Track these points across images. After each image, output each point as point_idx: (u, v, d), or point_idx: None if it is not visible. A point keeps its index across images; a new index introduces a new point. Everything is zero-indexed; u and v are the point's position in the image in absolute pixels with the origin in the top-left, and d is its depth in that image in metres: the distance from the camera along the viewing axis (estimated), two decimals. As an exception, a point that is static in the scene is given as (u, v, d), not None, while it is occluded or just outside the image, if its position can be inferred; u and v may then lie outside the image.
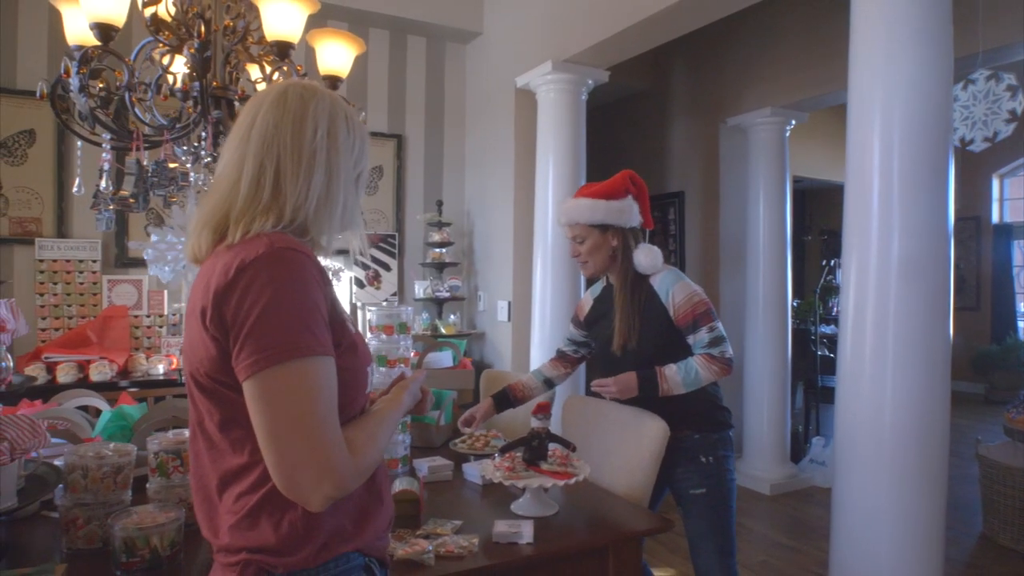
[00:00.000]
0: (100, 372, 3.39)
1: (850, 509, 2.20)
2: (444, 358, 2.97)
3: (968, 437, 5.30)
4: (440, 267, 4.50)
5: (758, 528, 3.90)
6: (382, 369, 2.09)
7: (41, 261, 3.65)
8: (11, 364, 1.46)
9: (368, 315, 2.17)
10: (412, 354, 2.21)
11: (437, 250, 4.49)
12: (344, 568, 0.99)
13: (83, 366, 3.41)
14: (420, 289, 4.45)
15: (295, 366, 0.87)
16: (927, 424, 2.09)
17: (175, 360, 3.66)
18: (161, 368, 3.61)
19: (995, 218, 7.81)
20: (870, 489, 2.14)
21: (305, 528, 0.93)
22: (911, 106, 2.08)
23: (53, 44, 3.70)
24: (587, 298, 2.27)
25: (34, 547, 1.56)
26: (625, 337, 2.01)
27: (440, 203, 4.54)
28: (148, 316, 3.85)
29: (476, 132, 4.71)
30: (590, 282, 2.31)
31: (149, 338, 3.85)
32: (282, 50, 1.82)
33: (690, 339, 1.99)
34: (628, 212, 2.06)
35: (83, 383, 3.20)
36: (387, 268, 4.51)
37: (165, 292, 3.89)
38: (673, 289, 2.01)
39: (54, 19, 3.65)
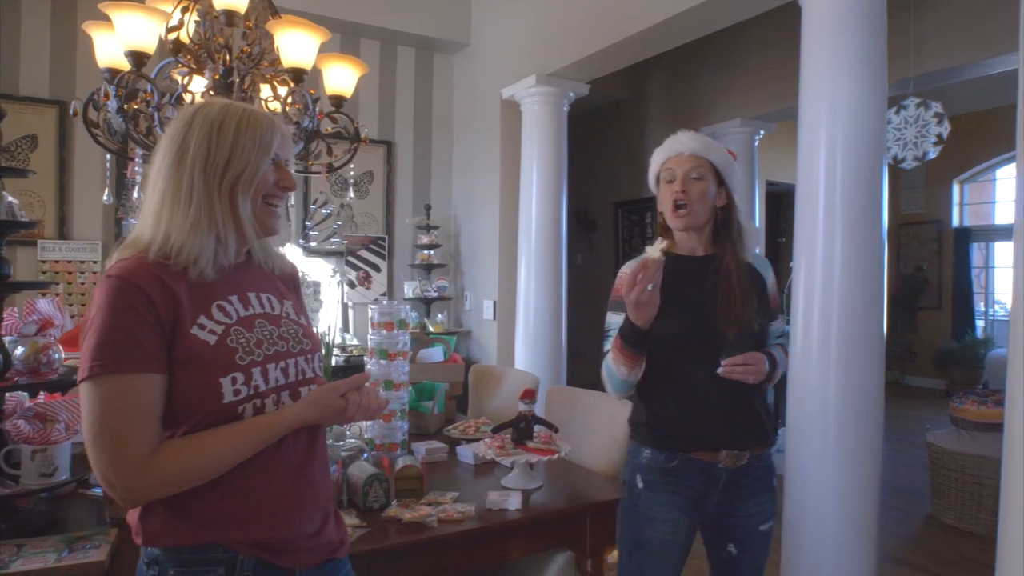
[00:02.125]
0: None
1: (800, 485, 2.46)
2: (435, 353, 3.19)
3: (919, 428, 5.63)
4: (428, 268, 4.73)
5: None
6: (382, 362, 2.31)
7: (43, 262, 3.82)
8: (62, 355, 1.66)
9: (369, 312, 2.38)
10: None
11: (425, 252, 4.71)
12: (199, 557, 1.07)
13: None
14: (409, 289, 4.66)
15: (84, 386, 1.00)
16: (865, 408, 2.36)
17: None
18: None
19: (955, 222, 8.18)
20: (817, 467, 2.40)
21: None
22: (851, 126, 2.34)
23: (56, 52, 3.86)
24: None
25: (78, 519, 1.76)
26: (747, 321, 1.65)
27: (428, 207, 4.76)
28: (148, 315, 4.02)
29: (462, 139, 4.94)
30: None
31: (149, 336, 4.02)
32: (297, 76, 2.04)
33: (772, 326, 1.79)
34: (738, 180, 1.79)
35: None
36: (377, 269, 4.72)
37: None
38: (770, 267, 1.82)
39: (56, 27, 3.82)
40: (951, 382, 7.58)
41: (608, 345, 1.72)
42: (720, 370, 1.60)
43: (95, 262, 3.91)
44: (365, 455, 2.11)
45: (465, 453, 2.30)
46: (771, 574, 3.20)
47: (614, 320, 1.72)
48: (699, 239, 1.76)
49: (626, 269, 1.75)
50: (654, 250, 1.54)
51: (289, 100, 2.05)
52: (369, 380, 1.22)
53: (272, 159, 1.16)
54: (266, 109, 2.29)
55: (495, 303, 4.48)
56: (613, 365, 1.68)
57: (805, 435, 2.45)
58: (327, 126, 2.31)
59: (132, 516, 1.09)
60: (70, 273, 3.86)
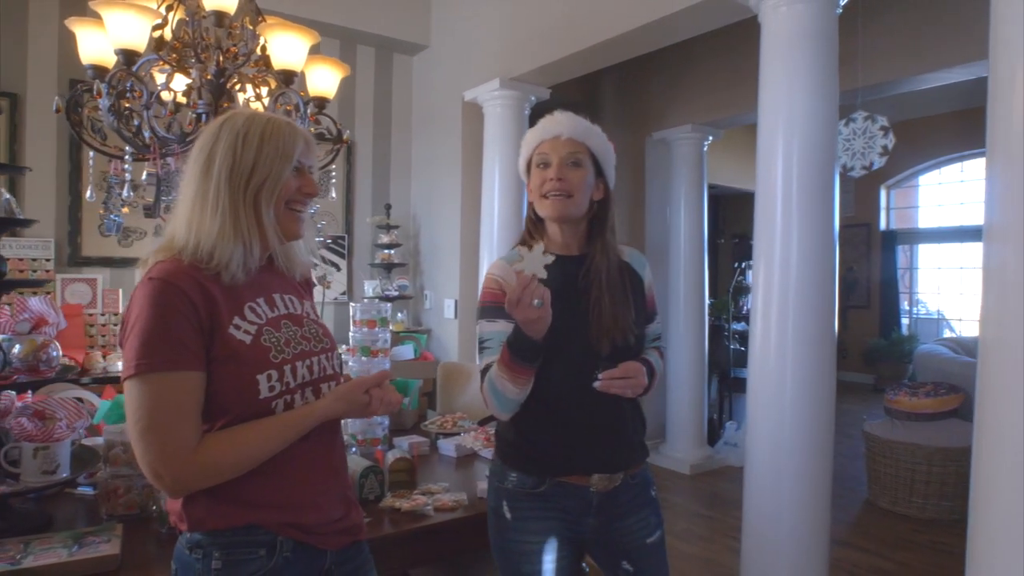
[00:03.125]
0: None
1: (759, 474, 2.63)
2: (406, 351, 3.25)
3: (858, 420, 5.98)
4: (388, 268, 4.75)
5: (681, 502, 4.37)
6: (364, 359, 2.37)
7: (-9, 260, 3.68)
8: (60, 353, 1.66)
9: (351, 311, 2.43)
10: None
11: (386, 251, 4.74)
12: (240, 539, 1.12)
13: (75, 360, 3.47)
14: (370, 288, 4.68)
15: (130, 384, 1.05)
16: (817, 402, 2.54)
17: (133, 357, 3.76)
18: (119, 365, 3.69)
19: (883, 225, 8.69)
20: (774, 457, 2.57)
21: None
22: (806, 136, 2.52)
23: (7, 44, 3.73)
24: (504, 275, 1.54)
25: (71, 517, 1.75)
26: (623, 331, 1.50)
27: (388, 206, 4.78)
28: (103, 315, 3.93)
29: (421, 139, 4.99)
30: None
31: (104, 336, 3.93)
32: (287, 78, 2.07)
33: (648, 328, 1.65)
34: (614, 173, 1.64)
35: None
36: (337, 268, 4.72)
37: (120, 291, 3.97)
38: (647, 265, 1.68)
39: (7, 19, 3.69)
40: (879, 377, 8.05)
41: (485, 359, 1.51)
42: (597, 384, 1.43)
43: (48, 260, 3.80)
44: (354, 449, 2.16)
45: (447, 447, 2.38)
46: (732, 560, 3.42)
47: (490, 330, 1.51)
48: (574, 234, 1.58)
49: (496, 272, 1.55)
50: (535, 261, 1.33)
51: (278, 102, 2.08)
52: (389, 377, 1.28)
53: (295, 166, 1.21)
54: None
55: (456, 302, 4.55)
56: (499, 383, 1.45)
57: (764, 427, 2.61)
58: (310, 127, 2.34)
59: (174, 504, 1.13)
60: (21, 271, 3.73)
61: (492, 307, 1.52)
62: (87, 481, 1.90)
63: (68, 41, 3.78)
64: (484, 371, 1.51)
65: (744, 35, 4.46)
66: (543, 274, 1.33)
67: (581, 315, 1.50)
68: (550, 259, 1.34)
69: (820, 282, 2.52)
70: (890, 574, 3.31)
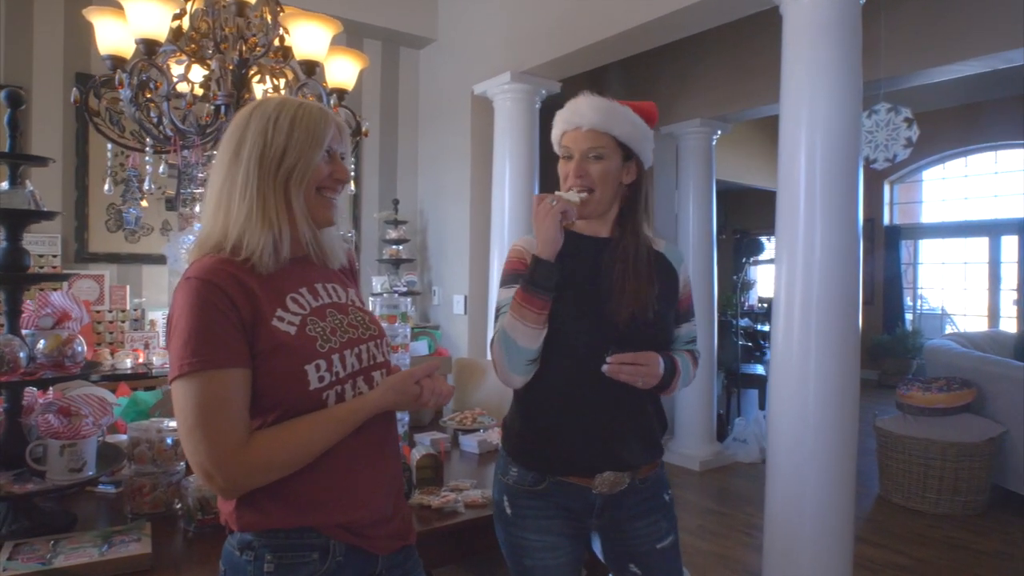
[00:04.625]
0: (68, 366, 3.42)
1: (781, 470, 2.60)
2: (420, 347, 3.22)
3: (864, 416, 5.98)
4: (397, 263, 4.72)
5: (692, 499, 4.35)
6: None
7: (-4, 256, 3.63)
8: (85, 349, 1.62)
9: (369, 305, 2.39)
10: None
11: (394, 247, 4.70)
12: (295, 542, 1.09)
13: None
14: (378, 284, 4.64)
15: (177, 384, 1.03)
16: (841, 402, 2.51)
17: (142, 354, 3.72)
18: (128, 362, 3.66)
19: (887, 220, 8.68)
20: (797, 452, 2.55)
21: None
22: (829, 128, 2.49)
23: (10, 36, 3.68)
24: (528, 247, 1.49)
25: (93, 516, 1.72)
26: (642, 303, 1.42)
27: (396, 201, 4.74)
28: (110, 311, 3.88)
29: (429, 134, 4.95)
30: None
31: (112, 333, 3.88)
32: (309, 68, 2.03)
33: (680, 329, 1.60)
34: (650, 149, 1.55)
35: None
36: (345, 264, 4.68)
37: (127, 287, 3.93)
38: (685, 262, 1.60)
39: (10, 12, 3.64)
40: (883, 372, 8.05)
41: (498, 325, 1.48)
42: (604, 368, 1.36)
43: (54, 256, 3.75)
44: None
45: (469, 443, 2.35)
46: (747, 556, 3.40)
47: (507, 296, 1.46)
48: (603, 221, 1.54)
49: (521, 244, 1.53)
50: (571, 195, 1.44)
51: (300, 93, 2.04)
52: (438, 368, 1.25)
53: (327, 151, 1.18)
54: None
55: (466, 297, 4.52)
56: (510, 328, 1.40)
57: (787, 425, 2.58)
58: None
59: (226, 505, 1.10)
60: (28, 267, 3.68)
61: (511, 274, 1.50)
62: (108, 479, 1.87)
63: (73, 34, 3.75)
64: (496, 334, 1.47)
65: (756, 28, 4.45)
66: (575, 199, 1.43)
67: (602, 293, 1.44)
68: (584, 195, 1.44)
69: (844, 277, 2.49)
70: (909, 570, 3.29)
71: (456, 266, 4.64)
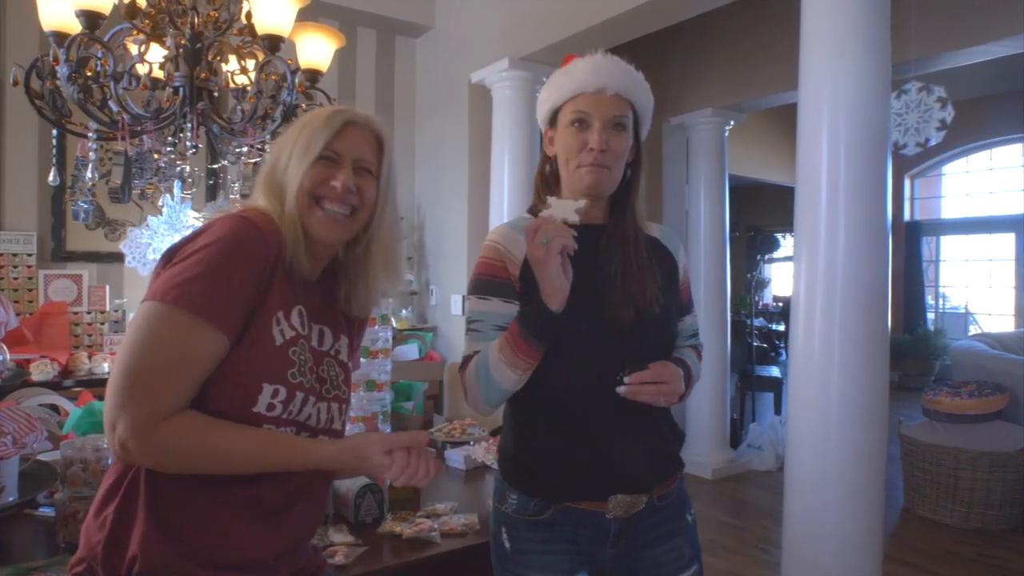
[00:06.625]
0: (42, 372, 3.24)
1: (801, 481, 2.37)
2: (410, 351, 3.01)
3: (888, 421, 5.73)
4: (393, 261, 4.51)
5: (703, 510, 4.11)
6: (363, 360, 2.13)
7: (-31, 255, 3.47)
8: (7, 357, 1.42)
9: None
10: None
11: (390, 244, 4.50)
12: None
13: (22, 365, 3.26)
14: (373, 283, 4.44)
15: (150, 307, 0.90)
16: (869, 406, 2.27)
17: (122, 357, 3.54)
18: (106, 367, 3.48)
19: (907, 216, 8.38)
20: (818, 461, 2.31)
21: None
22: (854, 112, 2.25)
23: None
24: (507, 242, 1.28)
25: (25, 545, 1.53)
26: (648, 298, 1.24)
27: (393, 197, 4.54)
28: (89, 313, 3.70)
29: (426, 126, 4.74)
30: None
31: (90, 335, 3.71)
32: (272, 43, 1.82)
33: (684, 322, 1.40)
34: (647, 125, 1.37)
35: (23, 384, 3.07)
36: (339, 262, 4.49)
37: (107, 287, 3.75)
38: (681, 247, 1.41)
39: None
40: (904, 374, 7.75)
41: (471, 344, 1.26)
42: (621, 389, 1.17)
43: (30, 255, 3.57)
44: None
45: (455, 458, 2.13)
46: (764, 573, 3.17)
47: (480, 310, 1.25)
48: (597, 205, 1.30)
49: (498, 238, 1.28)
50: (564, 207, 1.13)
51: (261, 70, 1.84)
52: (427, 442, 1.02)
53: (322, 154, 1.03)
54: (233, 83, 2.08)
55: (464, 297, 4.31)
56: (495, 367, 1.18)
57: (807, 433, 2.35)
58: (301, 102, 2.10)
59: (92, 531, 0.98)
60: (2, 267, 3.52)
61: (486, 281, 1.25)
62: (48, 501, 1.67)
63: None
64: (467, 359, 1.25)
65: (772, 9, 4.20)
66: (574, 219, 1.12)
67: (601, 288, 1.23)
68: (583, 204, 1.13)
69: (871, 275, 2.25)
70: (938, 591, 3.05)
71: (454, 264, 4.43)
